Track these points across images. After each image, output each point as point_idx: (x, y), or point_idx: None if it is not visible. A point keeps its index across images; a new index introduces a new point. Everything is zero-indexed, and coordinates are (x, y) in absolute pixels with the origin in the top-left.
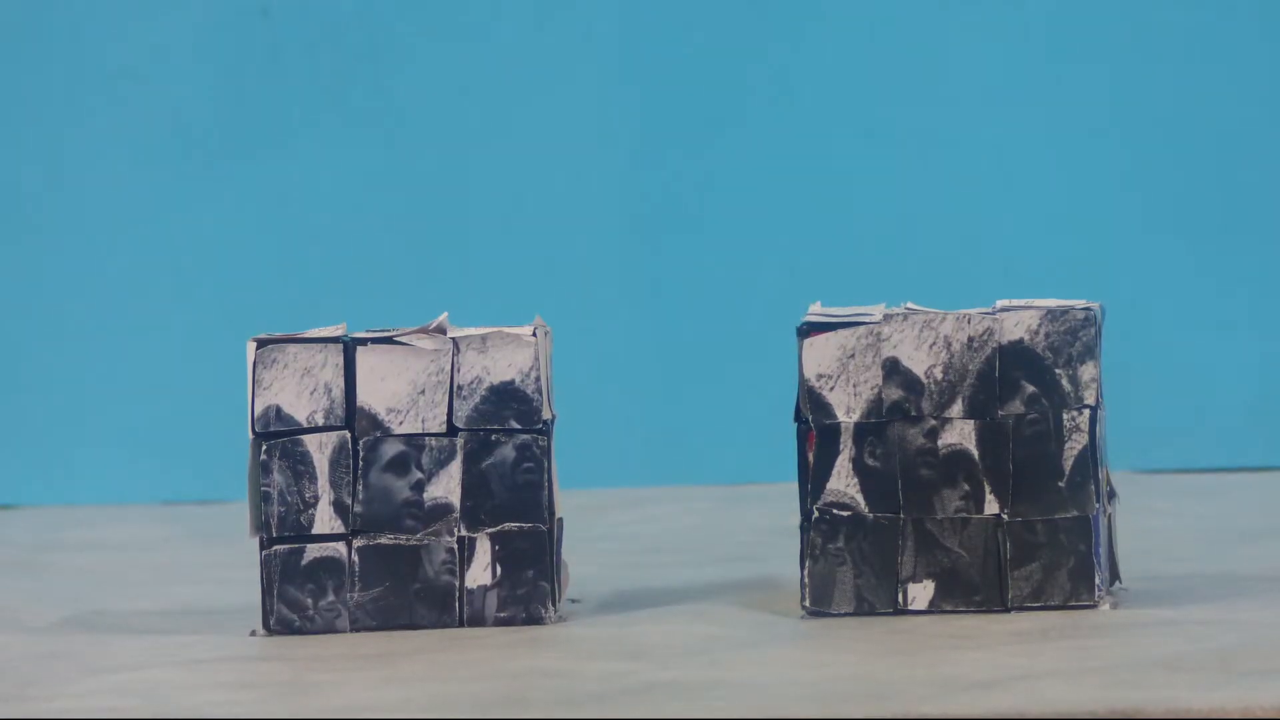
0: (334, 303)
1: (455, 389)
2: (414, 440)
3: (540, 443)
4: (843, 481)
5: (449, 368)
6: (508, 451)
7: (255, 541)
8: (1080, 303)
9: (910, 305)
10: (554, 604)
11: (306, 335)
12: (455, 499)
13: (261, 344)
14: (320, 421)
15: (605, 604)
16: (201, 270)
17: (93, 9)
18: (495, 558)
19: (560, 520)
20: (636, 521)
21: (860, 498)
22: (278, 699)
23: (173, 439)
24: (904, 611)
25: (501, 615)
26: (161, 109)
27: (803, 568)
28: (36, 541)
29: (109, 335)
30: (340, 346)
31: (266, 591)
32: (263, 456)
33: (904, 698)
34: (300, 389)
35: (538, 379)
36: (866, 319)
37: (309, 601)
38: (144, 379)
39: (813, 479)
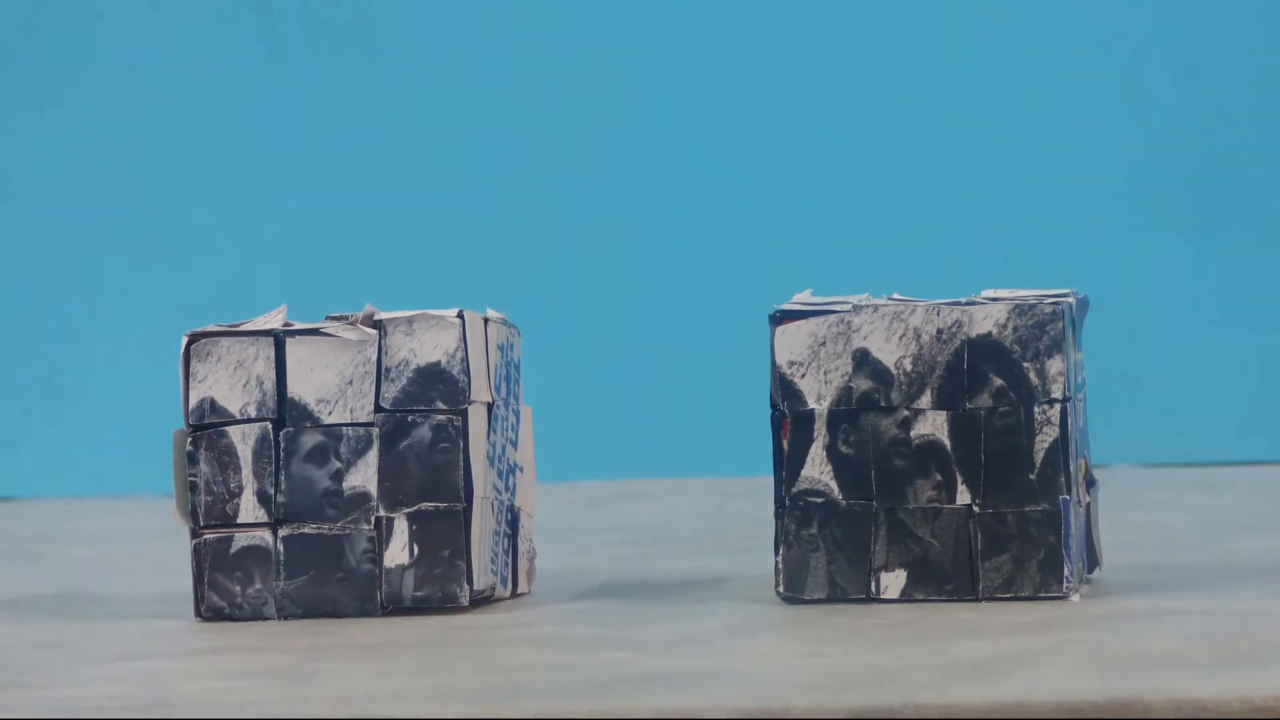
0: (334, 298)
1: (383, 371)
2: (332, 430)
3: (456, 423)
4: (816, 468)
5: (375, 355)
6: (424, 432)
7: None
8: (1053, 294)
9: (896, 296)
10: (471, 584)
11: (240, 328)
12: (373, 488)
13: (194, 338)
14: (253, 414)
15: (605, 594)
16: (201, 264)
17: (94, 3)
18: (412, 537)
19: (517, 510)
20: (639, 513)
21: (834, 485)
22: (277, 688)
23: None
24: (876, 600)
25: (419, 594)
26: (162, 104)
27: (777, 554)
28: (37, 533)
29: (109, 330)
30: (271, 340)
31: (198, 580)
32: (189, 447)
33: (904, 686)
34: (233, 382)
35: (464, 360)
36: (838, 308)
37: (237, 589)
38: (143, 373)
39: (787, 466)
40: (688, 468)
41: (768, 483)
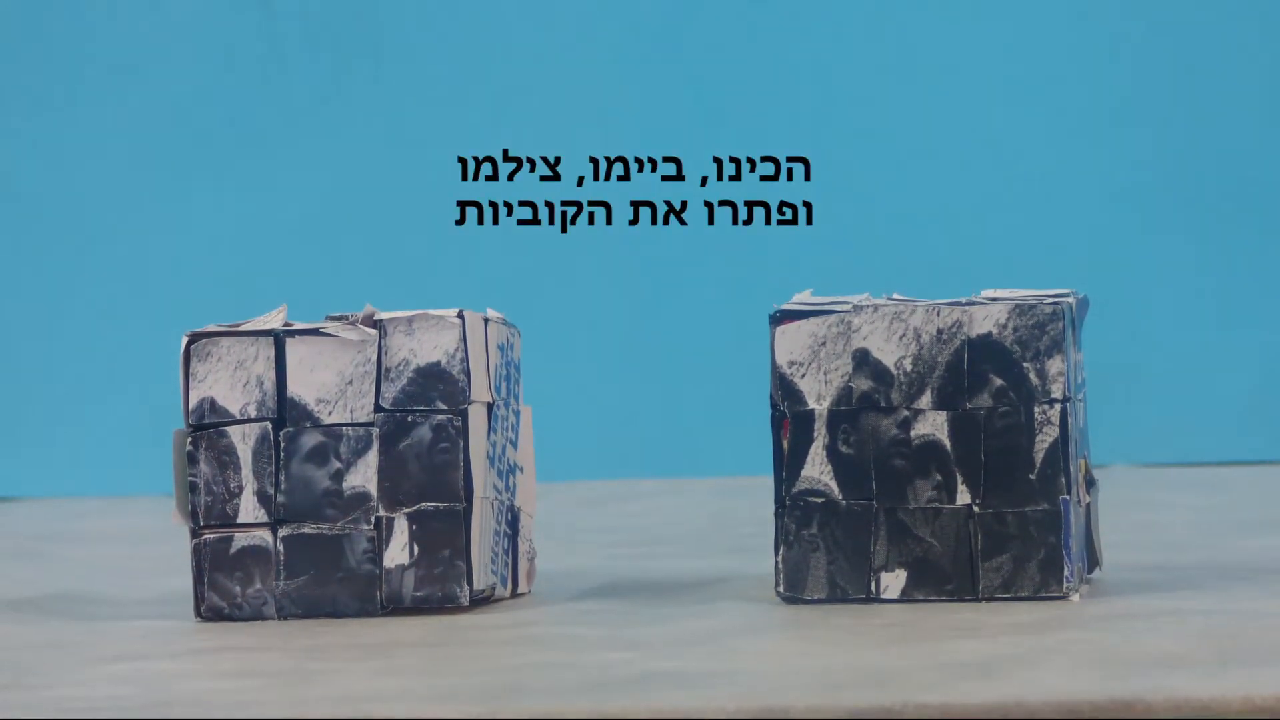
0: (334, 298)
1: (383, 371)
2: (332, 430)
3: (456, 423)
4: (817, 468)
5: (375, 355)
6: (424, 432)
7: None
8: (1053, 294)
9: (896, 296)
10: (470, 584)
11: (240, 328)
12: (373, 488)
13: (194, 338)
14: (253, 413)
15: (605, 594)
16: (201, 264)
17: (94, 3)
18: (412, 537)
19: (517, 510)
20: (639, 513)
21: (834, 485)
22: (278, 688)
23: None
24: (876, 600)
25: (419, 594)
26: (162, 104)
27: (777, 553)
28: (37, 532)
29: (109, 330)
30: (271, 340)
31: (198, 580)
32: (189, 447)
33: (904, 686)
34: (234, 382)
35: (464, 360)
36: (838, 308)
37: (237, 589)
38: (143, 373)
39: (787, 466)
40: (688, 468)
41: (768, 482)
